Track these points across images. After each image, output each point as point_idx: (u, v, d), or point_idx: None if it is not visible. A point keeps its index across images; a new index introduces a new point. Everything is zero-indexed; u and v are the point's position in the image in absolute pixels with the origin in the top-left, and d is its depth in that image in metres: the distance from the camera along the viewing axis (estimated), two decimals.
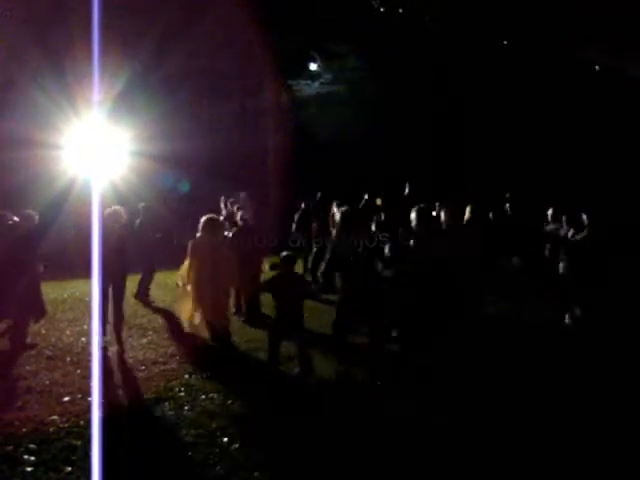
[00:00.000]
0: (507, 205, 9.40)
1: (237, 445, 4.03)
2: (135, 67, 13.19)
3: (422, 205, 6.02)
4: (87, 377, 5.26)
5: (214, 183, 13.39)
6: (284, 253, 5.57)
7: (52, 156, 10.67)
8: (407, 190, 8.11)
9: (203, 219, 6.05)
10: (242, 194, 10.02)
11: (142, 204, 9.03)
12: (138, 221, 8.76)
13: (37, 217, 6.47)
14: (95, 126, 10.50)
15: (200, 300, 5.81)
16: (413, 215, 5.92)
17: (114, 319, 6.33)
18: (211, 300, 5.79)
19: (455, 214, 6.96)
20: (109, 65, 11.56)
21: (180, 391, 5.06)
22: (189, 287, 6.01)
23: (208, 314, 5.82)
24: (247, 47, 15.63)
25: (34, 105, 11.71)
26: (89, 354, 5.93)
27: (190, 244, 5.99)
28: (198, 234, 6.11)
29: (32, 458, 3.82)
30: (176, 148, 12.68)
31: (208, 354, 6.08)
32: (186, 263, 6.05)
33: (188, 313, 5.94)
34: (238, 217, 7.96)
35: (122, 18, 12.70)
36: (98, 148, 10.49)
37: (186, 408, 4.70)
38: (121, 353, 6.07)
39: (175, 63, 14.01)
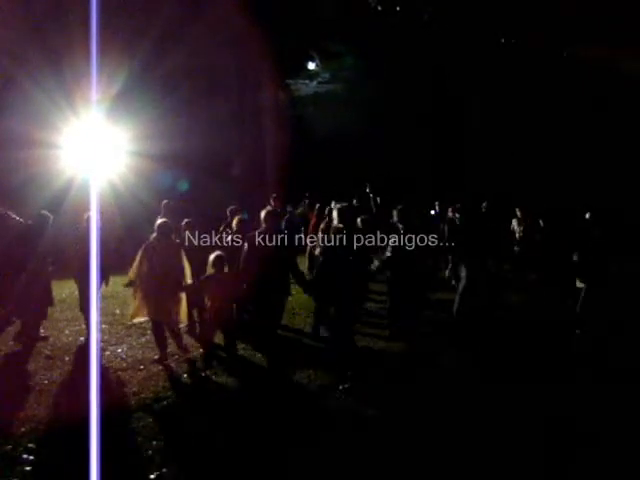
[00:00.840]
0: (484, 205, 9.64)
1: (236, 444, 4.04)
2: (133, 66, 13.17)
3: (344, 204, 6.34)
4: (86, 376, 5.26)
5: (212, 182, 13.40)
6: (215, 254, 5.62)
7: (51, 155, 10.67)
8: (368, 190, 8.10)
9: (158, 222, 6.01)
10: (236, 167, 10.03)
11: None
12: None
13: (51, 218, 6.47)
14: (94, 125, 10.53)
15: (145, 299, 5.78)
16: (335, 214, 6.21)
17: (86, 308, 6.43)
18: (156, 300, 5.76)
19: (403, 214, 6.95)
20: (107, 64, 11.57)
21: (179, 390, 5.07)
22: (136, 285, 5.96)
23: (152, 313, 5.81)
24: (245, 46, 15.61)
25: (33, 104, 11.69)
26: (88, 353, 5.94)
27: (144, 245, 5.93)
28: (153, 236, 6.04)
29: (31, 458, 3.83)
30: (174, 147, 12.68)
31: (207, 354, 6.09)
32: (136, 261, 5.98)
33: (133, 310, 5.92)
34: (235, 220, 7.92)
35: (120, 17, 12.68)
36: (96, 147, 10.51)
37: (185, 408, 4.71)
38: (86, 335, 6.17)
39: (173, 62, 13.99)
